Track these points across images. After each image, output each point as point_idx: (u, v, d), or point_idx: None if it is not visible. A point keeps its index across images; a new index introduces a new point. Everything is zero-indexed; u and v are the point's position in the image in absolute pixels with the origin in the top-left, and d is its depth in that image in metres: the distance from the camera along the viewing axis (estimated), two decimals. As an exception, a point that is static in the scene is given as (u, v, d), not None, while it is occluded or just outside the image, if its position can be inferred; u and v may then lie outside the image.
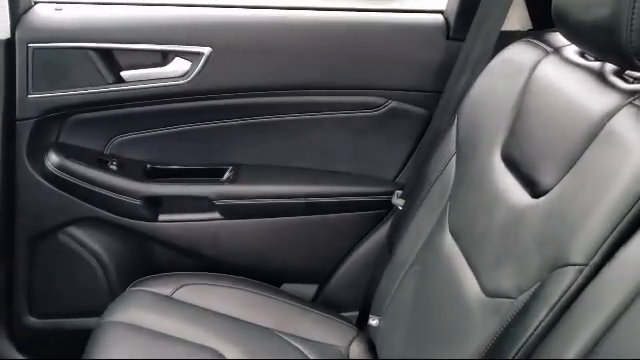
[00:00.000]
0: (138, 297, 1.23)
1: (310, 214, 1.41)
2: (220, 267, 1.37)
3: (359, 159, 1.41)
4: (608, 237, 0.68)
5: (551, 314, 0.72)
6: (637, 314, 0.61)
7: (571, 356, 0.66)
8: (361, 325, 1.34)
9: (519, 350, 0.75)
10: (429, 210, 1.16)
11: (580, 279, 0.70)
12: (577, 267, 0.70)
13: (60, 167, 1.32)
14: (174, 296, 1.26)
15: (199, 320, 1.20)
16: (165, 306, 1.22)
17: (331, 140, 1.40)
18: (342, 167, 1.42)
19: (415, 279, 1.13)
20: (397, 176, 1.42)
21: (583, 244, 0.70)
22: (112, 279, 1.40)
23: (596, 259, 0.69)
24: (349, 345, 1.27)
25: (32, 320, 1.43)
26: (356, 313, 1.38)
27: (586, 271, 0.69)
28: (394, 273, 1.20)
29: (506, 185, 0.93)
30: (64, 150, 1.34)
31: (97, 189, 1.33)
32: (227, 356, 1.12)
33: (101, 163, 1.35)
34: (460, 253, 0.99)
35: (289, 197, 1.39)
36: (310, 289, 1.48)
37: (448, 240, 1.05)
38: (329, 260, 1.45)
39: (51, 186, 1.33)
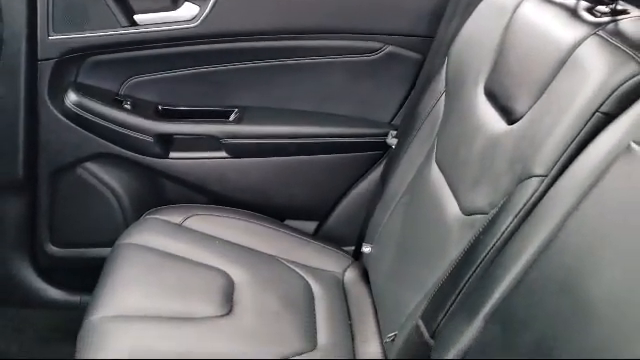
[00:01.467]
0: (151, 224, 1.34)
1: (310, 154, 1.50)
2: (226, 203, 1.48)
3: (356, 102, 1.50)
4: (565, 150, 0.77)
5: (515, 220, 0.81)
6: (583, 214, 0.71)
7: (530, 253, 0.76)
8: (357, 256, 1.45)
9: (487, 253, 0.84)
10: (419, 146, 1.25)
11: (541, 188, 0.79)
12: (539, 178, 0.80)
13: (79, 105, 1.42)
14: (184, 224, 1.37)
15: (207, 245, 1.31)
16: (176, 232, 1.33)
17: (330, 84, 1.49)
18: (340, 110, 1.51)
19: (404, 208, 1.22)
20: (392, 119, 1.51)
21: (544, 157, 0.79)
22: (126, 212, 1.51)
23: (554, 171, 0.78)
24: (344, 271, 1.38)
25: (53, 249, 1.55)
26: (353, 247, 1.49)
27: (546, 181, 0.79)
28: (386, 205, 1.30)
29: (486, 116, 1.01)
30: (82, 90, 1.43)
31: (112, 126, 1.43)
32: (233, 277, 1.23)
33: (116, 103, 1.45)
34: (444, 181, 1.09)
35: (290, 137, 1.48)
36: (310, 225, 1.59)
37: (434, 171, 1.14)
38: (328, 198, 1.55)
39: (70, 123, 1.43)
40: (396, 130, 1.44)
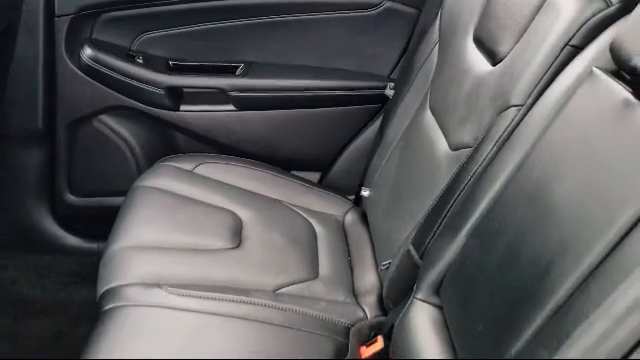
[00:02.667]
0: (164, 169, 1.43)
1: (312, 107, 1.58)
2: (233, 154, 1.57)
3: (356, 57, 1.58)
4: (540, 81, 0.86)
5: (495, 147, 0.90)
6: (552, 134, 0.79)
7: (506, 175, 0.85)
8: (357, 201, 1.54)
9: (470, 179, 0.93)
10: (414, 94, 1.34)
11: (517, 117, 0.87)
12: (516, 108, 0.88)
13: (94, 59, 1.51)
14: (195, 171, 1.46)
15: (217, 190, 1.40)
16: (187, 177, 1.42)
17: (331, 39, 1.56)
18: (341, 64, 1.59)
19: (399, 152, 1.31)
20: (391, 72, 1.59)
21: (521, 89, 0.88)
22: (139, 162, 1.61)
23: (530, 100, 0.86)
24: (345, 215, 1.47)
25: (71, 198, 1.65)
26: (353, 196, 1.58)
27: (522, 110, 0.87)
28: (383, 151, 1.39)
29: (474, 60, 1.09)
30: (97, 45, 1.52)
31: (126, 79, 1.51)
32: (241, 217, 1.33)
33: (129, 57, 1.54)
34: (436, 123, 1.17)
35: (294, 90, 1.57)
36: (314, 176, 1.68)
37: (428, 116, 1.22)
38: (331, 149, 1.64)
39: (86, 77, 1.51)
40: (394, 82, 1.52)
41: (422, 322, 0.92)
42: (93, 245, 1.68)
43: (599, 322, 0.57)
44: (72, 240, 1.69)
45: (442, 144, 1.11)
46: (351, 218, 1.46)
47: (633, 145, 0.66)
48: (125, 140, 1.60)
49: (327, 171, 1.66)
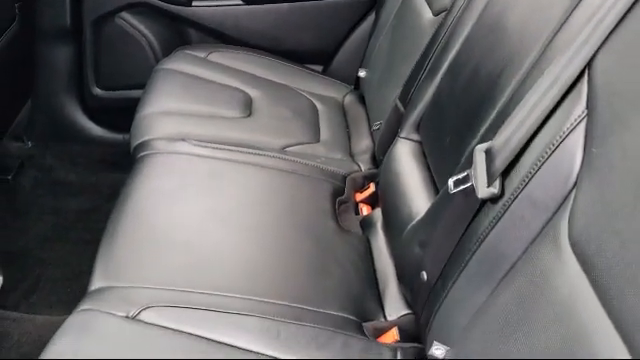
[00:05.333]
0: (181, 56, 1.60)
1: (315, -1, 1.73)
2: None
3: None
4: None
5: (455, 18, 1.05)
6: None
7: (475, 16, 1.00)
8: (356, 87, 1.69)
9: (446, 31, 1.09)
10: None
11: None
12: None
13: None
14: (208, 58, 1.62)
15: (228, 73, 1.57)
16: (201, 63, 1.58)
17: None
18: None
19: (392, 31, 1.46)
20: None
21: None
22: (158, 56, 1.76)
23: None
24: (344, 97, 1.64)
25: (98, 91, 1.83)
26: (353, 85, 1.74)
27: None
28: (379, 31, 1.54)
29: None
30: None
31: (143, -24, 1.67)
32: (251, 94, 1.49)
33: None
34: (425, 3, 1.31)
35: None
36: (316, 69, 1.83)
37: (416, -6, 1.37)
38: (332, 41, 1.78)
39: (108, -26, 1.67)
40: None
41: (404, 154, 1.10)
42: (119, 136, 1.87)
43: (529, 103, 0.74)
44: (99, 131, 1.88)
45: (426, 11, 1.26)
46: (350, 99, 1.63)
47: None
48: (144, 36, 1.75)
49: (328, 63, 1.82)
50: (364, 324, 0.96)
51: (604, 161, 0.64)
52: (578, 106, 0.69)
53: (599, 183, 0.64)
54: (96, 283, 0.92)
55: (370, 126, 1.46)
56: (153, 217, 1.03)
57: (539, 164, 0.71)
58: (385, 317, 0.99)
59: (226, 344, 0.85)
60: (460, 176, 0.81)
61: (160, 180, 1.14)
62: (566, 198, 0.67)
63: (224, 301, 0.91)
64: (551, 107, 0.72)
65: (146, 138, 1.25)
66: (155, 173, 1.16)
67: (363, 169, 1.34)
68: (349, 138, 1.47)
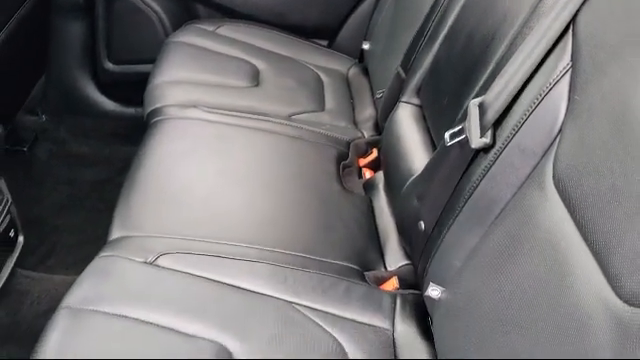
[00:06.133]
0: (190, 29, 1.65)
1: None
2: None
3: None
4: None
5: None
6: None
7: (455, 13, 1.06)
8: (361, 59, 1.74)
9: (436, 14, 1.14)
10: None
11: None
12: None
13: None
14: (217, 32, 1.68)
15: (235, 45, 1.62)
16: (210, 36, 1.64)
17: None
18: None
19: (395, 3, 1.51)
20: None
21: None
22: (167, 32, 1.81)
23: None
24: (348, 69, 1.69)
25: (110, 65, 1.89)
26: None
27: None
28: (382, 5, 1.59)
29: None
30: None
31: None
32: (258, 66, 1.55)
33: None
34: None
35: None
36: (322, 44, 1.89)
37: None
38: (337, 16, 1.83)
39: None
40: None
41: (405, 117, 1.16)
42: (130, 109, 1.93)
43: (519, 58, 0.80)
44: (111, 105, 1.94)
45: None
46: (354, 71, 1.69)
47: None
48: (155, 11, 1.81)
49: (333, 38, 1.87)
50: (366, 273, 1.02)
51: (585, 106, 0.70)
52: (563, 59, 0.74)
53: (580, 127, 0.69)
54: (115, 233, 0.99)
55: (373, 96, 1.52)
56: (168, 174, 1.10)
57: (527, 114, 0.77)
58: (386, 267, 1.05)
59: (238, 287, 0.91)
60: (456, 129, 0.87)
61: (173, 143, 1.20)
62: (552, 144, 0.73)
63: (236, 250, 0.98)
64: (538, 61, 0.78)
65: (159, 105, 1.31)
66: (168, 137, 1.22)
67: (366, 136, 1.40)
68: (353, 108, 1.53)
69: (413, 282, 1.02)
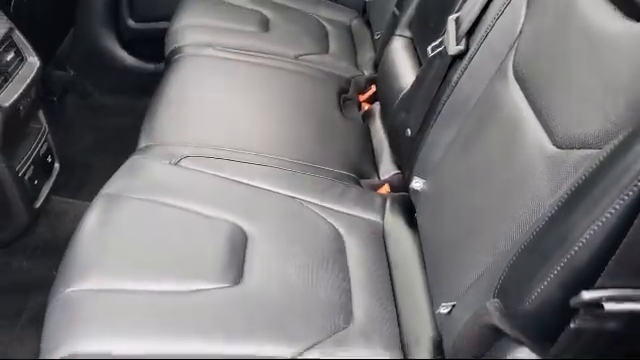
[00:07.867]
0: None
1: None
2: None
3: None
4: None
5: None
6: None
7: None
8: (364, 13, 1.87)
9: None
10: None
11: None
12: None
13: None
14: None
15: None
16: None
17: None
18: None
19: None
20: None
21: None
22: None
23: None
24: (352, 20, 1.82)
25: (132, 23, 2.03)
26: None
27: None
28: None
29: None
30: None
31: None
32: (268, 15, 1.69)
33: None
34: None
35: None
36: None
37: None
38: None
39: None
40: None
41: (399, 48, 1.31)
42: (150, 65, 2.07)
43: None
44: (133, 61, 2.08)
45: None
46: (357, 22, 1.82)
47: None
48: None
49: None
50: (361, 180, 1.16)
51: (538, 9, 0.83)
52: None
53: (534, 24, 0.83)
54: (142, 142, 1.14)
55: (374, 41, 1.65)
56: (187, 97, 1.25)
57: (494, 21, 0.91)
58: (379, 177, 1.19)
59: (250, 184, 1.06)
60: (436, 42, 1.01)
61: (191, 74, 1.35)
62: (514, 42, 0.86)
63: (248, 156, 1.12)
64: (504, -23, 0.91)
65: (178, 45, 1.46)
66: (186, 70, 1.37)
67: (366, 74, 1.53)
68: (355, 53, 1.66)
69: (403, 189, 1.15)
